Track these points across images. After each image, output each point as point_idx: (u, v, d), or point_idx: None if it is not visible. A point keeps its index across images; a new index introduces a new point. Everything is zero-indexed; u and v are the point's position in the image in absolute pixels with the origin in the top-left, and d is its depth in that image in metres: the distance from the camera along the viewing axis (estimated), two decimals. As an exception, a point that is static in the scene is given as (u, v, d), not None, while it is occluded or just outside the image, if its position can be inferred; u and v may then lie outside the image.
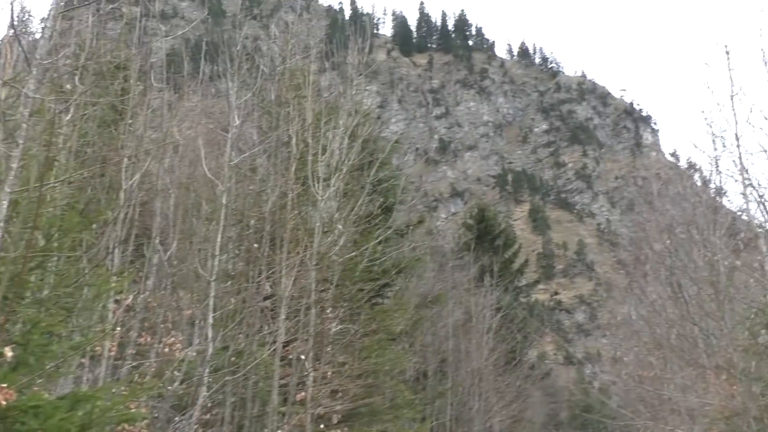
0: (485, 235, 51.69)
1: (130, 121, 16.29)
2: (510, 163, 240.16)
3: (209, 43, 21.46)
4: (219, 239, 16.17)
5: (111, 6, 15.34)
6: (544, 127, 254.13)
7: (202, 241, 16.97)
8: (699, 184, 25.24)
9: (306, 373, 18.62)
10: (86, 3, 13.18)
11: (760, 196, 15.87)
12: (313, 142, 20.74)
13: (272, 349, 17.24)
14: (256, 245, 18.44)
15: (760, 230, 16.10)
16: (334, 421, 18.86)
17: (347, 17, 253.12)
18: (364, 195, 22.31)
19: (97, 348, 13.40)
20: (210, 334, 14.92)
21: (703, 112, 16.82)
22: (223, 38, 22.28)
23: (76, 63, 13.65)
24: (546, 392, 68.90)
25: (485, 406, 38.04)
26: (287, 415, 17.54)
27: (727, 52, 15.81)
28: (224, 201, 16.64)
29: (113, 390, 10.86)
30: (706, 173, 23.38)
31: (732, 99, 15.82)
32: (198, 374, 14.76)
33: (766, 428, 15.49)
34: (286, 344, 18.40)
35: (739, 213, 20.34)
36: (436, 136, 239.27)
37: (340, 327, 20.66)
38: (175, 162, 19.79)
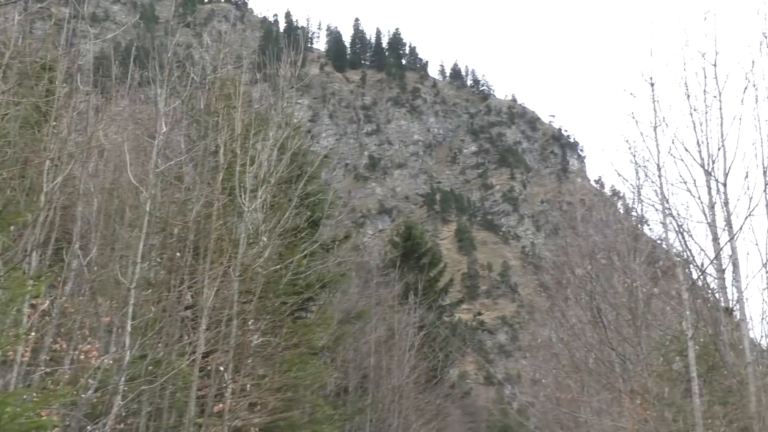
0: (411, 253, 51.85)
1: (54, 123, 15.99)
2: (438, 182, 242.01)
3: (140, 49, 21.20)
4: (141, 246, 15.95)
5: (39, 5, 15.06)
6: (474, 148, 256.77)
7: (123, 248, 16.71)
8: (621, 211, 25.72)
9: (225, 385, 18.43)
10: (13, 1, 12.94)
11: (679, 226, 16.18)
12: (241, 152, 20.62)
13: (191, 359, 17.03)
14: (178, 254, 18.23)
15: (678, 259, 16.42)
16: (252, 434, 18.71)
17: (281, 30, 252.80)
18: (291, 208, 22.23)
19: (10, 353, 13.09)
20: (128, 342, 14.68)
21: (627, 141, 17.09)
22: (155, 44, 22.05)
23: (0, 61, 13.38)
24: (465, 411, 69.24)
25: (404, 424, 38.07)
26: (204, 427, 17.33)
27: (652, 84, 16.13)
28: (148, 208, 16.42)
29: (24, 396, 10.63)
30: (628, 201, 23.83)
31: (655, 130, 16.10)
32: (113, 382, 14.50)
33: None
34: (205, 355, 18.20)
35: (658, 242, 20.74)
36: (366, 153, 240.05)
37: (261, 339, 20.51)
38: (100, 166, 19.49)
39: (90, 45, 17.77)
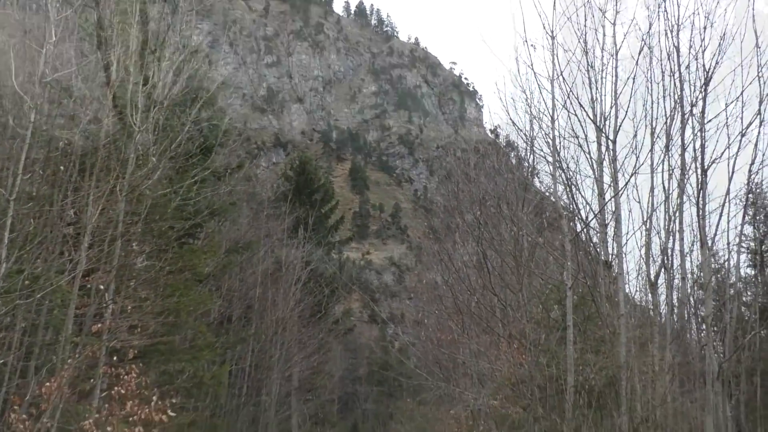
0: (304, 187, 51.74)
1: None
2: (336, 120, 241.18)
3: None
4: (23, 158, 15.40)
5: None
6: (373, 89, 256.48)
7: (4, 159, 16.09)
8: (514, 161, 26.06)
9: (105, 305, 18.12)
10: None
11: (568, 179, 16.54)
12: (135, 70, 20.02)
13: (71, 276, 16.64)
14: (62, 168, 17.65)
15: (564, 212, 16.78)
16: (130, 356, 18.41)
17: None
18: (184, 132, 21.75)
19: None
20: (4, 255, 14.22)
21: (524, 92, 17.27)
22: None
23: None
24: (347, 347, 70.18)
25: (286, 356, 38.33)
26: (81, 346, 17.00)
27: (553, 37, 16.27)
28: (32, 119, 15.83)
29: None
30: (521, 152, 24.14)
31: (552, 83, 16.31)
32: (-14, 295, 14.07)
33: (548, 396, 16.26)
34: (86, 274, 17.81)
35: (547, 193, 21.13)
36: (264, 84, 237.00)
37: (145, 262, 20.20)
38: (-17, 73, 18.64)
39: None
